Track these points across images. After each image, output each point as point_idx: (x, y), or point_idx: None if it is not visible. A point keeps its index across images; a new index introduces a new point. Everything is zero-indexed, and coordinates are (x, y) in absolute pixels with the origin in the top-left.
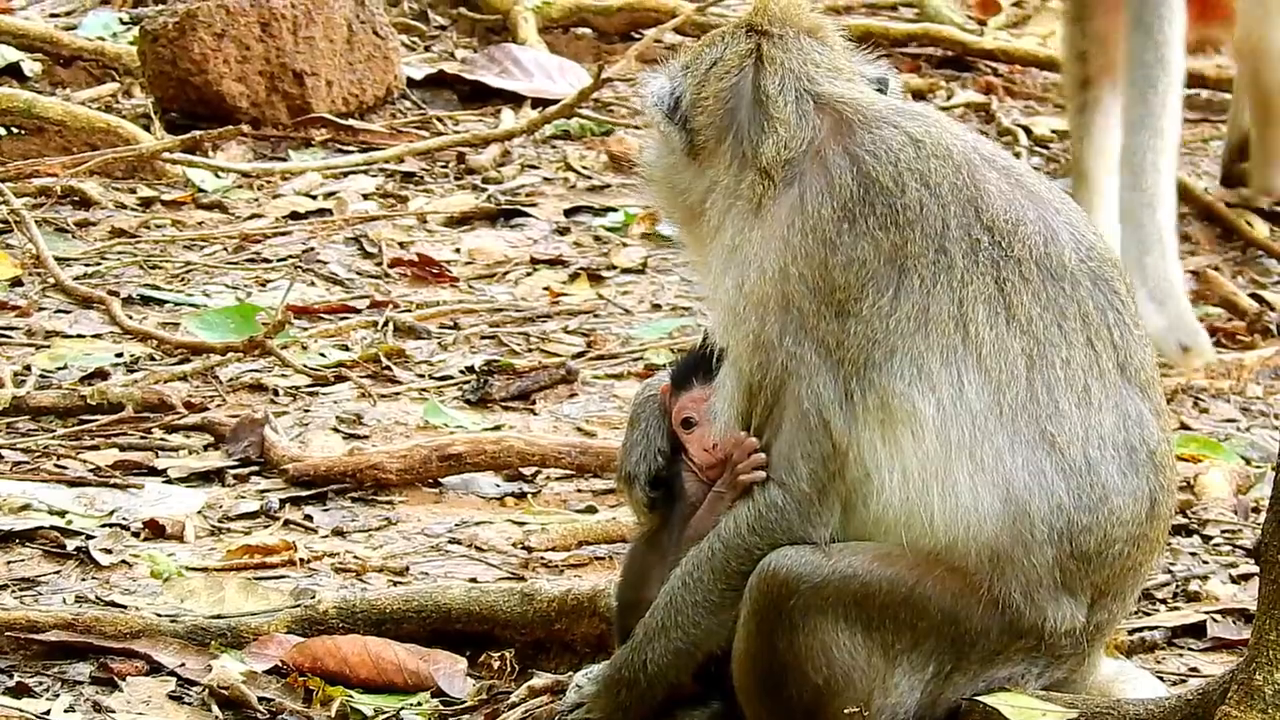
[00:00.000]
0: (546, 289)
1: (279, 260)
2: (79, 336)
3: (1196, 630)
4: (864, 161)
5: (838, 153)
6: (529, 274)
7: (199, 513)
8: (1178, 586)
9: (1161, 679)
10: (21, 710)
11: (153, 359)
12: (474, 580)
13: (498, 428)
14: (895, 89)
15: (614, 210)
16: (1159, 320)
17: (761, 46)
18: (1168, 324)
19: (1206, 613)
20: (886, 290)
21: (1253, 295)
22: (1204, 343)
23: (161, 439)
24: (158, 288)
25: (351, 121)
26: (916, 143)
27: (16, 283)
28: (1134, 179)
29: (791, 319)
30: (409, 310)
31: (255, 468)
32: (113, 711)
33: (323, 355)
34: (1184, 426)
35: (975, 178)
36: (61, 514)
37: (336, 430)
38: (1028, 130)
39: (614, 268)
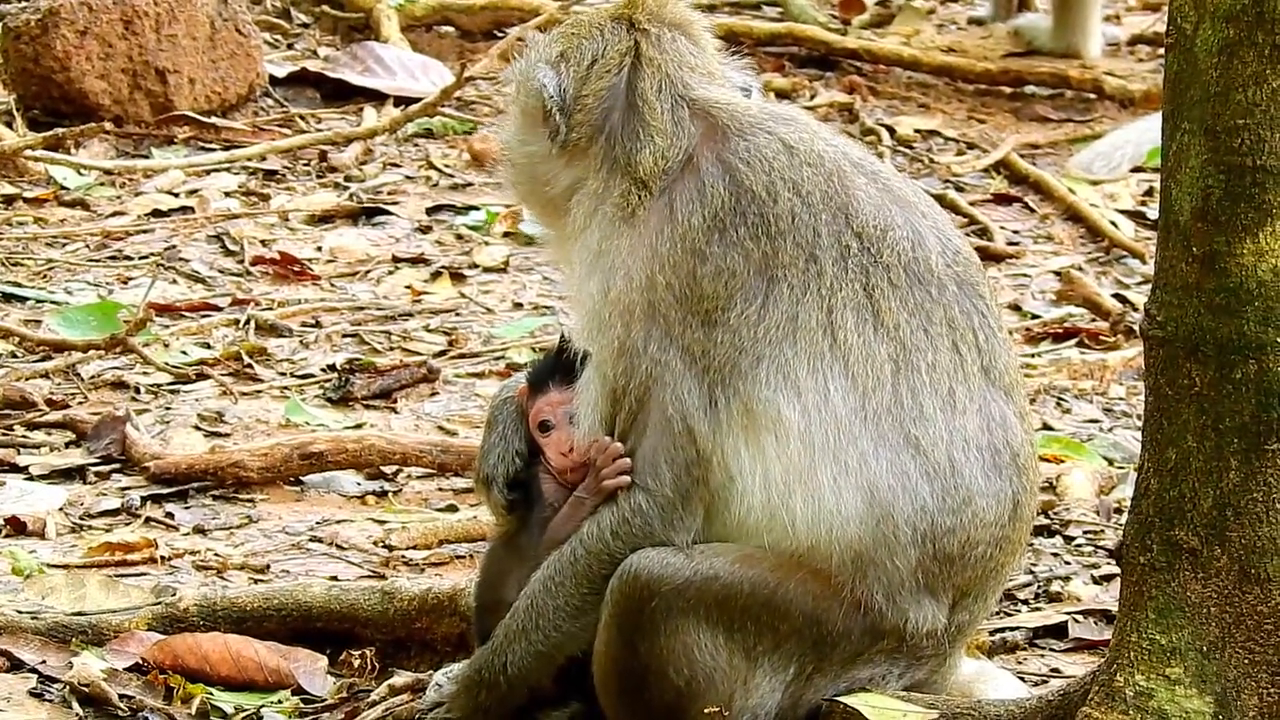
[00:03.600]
0: (408, 287)
1: (141, 258)
2: None
3: (1058, 631)
4: (737, 170)
5: (711, 160)
6: (391, 272)
7: (60, 510)
8: (1040, 587)
9: (1023, 679)
10: None
11: (14, 356)
12: (335, 578)
13: (359, 426)
14: (757, 96)
15: (476, 209)
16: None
17: (640, 45)
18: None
19: (1068, 613)
20: (755, 299)
21: (1116, 296)
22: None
23: (23, 436)
24: (19, 285)
25: (214, 119)
26: (790, 149)
27: None
28: None
29: (657, 326)
30: (271, 308)
31: (116, 465)
32: None
33: (184, 353)
34: (1047, 427)
35: (846, 184)
36: None
37: (198, 428)
38: (891, 130)
39: (476, 266)
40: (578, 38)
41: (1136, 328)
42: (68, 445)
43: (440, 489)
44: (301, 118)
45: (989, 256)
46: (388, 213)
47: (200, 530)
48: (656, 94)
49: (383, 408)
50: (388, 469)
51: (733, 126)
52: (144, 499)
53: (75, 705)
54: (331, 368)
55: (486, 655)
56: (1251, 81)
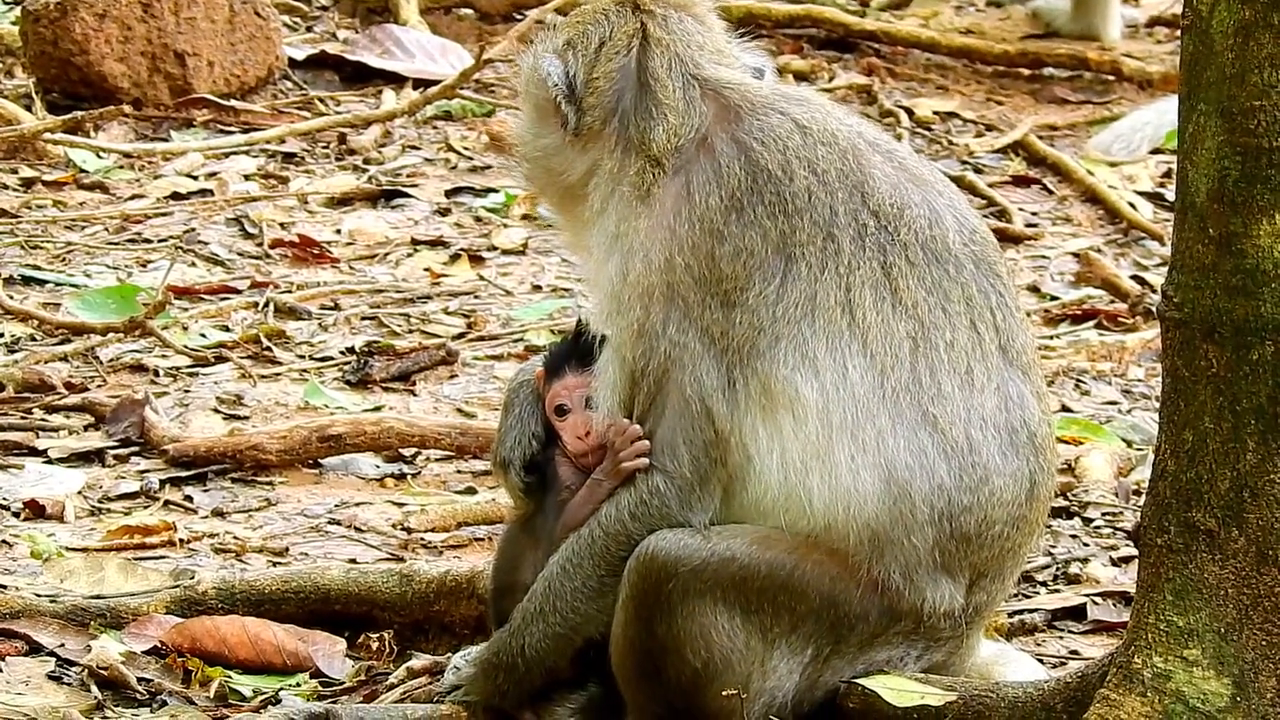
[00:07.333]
0: (427, 270)
1: (160, 241)
2: None
3: (1076, 613)
4: (752, 150)
5: (725, 141)
6: (410, 255)
7: (79, 493)
8: (1058, 569)
9: (1041, 661)
10: None
11: (33, 339)
12: (353, 561)
13: (378, 409)
14: (771, 78)
15: (495, 191)
16: None
17: (647, 26)
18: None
19: (1086, 595)
20: (773, 279)
21: (1135, 277)
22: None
23: (42, 419)
24: (39, 268)
25: (233, 102)
26: (803, 129)
27: None
28: None
29: (676, 308)
30: (289, 291)
31: (135, 448)
32: None
33: (203, 336)
34: (1065, 409)
35: (861, 163)
36: None
37: (217, 411)
38: (910, 112)
39: (495, 249)
40: (583, 24)
41: (1154, 309)
42: (86, 428)
43: (459, 471)
44: (320, 100)
45: (1007, 238)
46: (406, 195)
47: (219, 513)
48: (667, 72)
49: (401, 390)
50: (406, 451)
51: (745, 106)
52: (163, 482)
53: (93, 688)
54: (350, 350)
55: (504, 638)
56: (1267, 63)
